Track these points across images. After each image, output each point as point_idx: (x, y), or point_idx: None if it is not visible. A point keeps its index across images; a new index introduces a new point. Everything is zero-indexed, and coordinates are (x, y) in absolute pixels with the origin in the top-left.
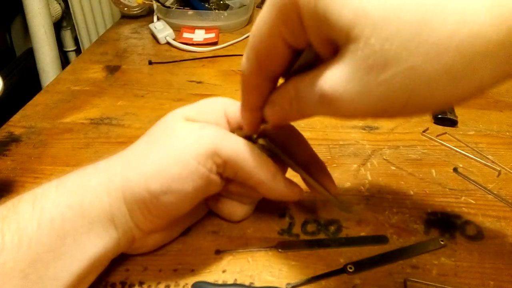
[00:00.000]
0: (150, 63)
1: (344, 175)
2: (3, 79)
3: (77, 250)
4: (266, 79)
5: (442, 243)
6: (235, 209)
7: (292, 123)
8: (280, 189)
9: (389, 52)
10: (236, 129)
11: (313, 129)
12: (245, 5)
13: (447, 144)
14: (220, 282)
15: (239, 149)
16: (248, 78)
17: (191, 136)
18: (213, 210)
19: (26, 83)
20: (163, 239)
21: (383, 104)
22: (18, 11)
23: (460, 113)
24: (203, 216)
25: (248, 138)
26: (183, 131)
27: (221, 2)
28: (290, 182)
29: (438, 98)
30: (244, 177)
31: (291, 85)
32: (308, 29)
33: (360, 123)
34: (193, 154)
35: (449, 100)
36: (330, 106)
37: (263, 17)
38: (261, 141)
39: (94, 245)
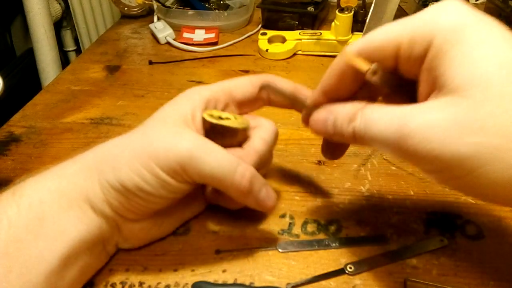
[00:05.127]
0: (150, 63)
1: (344, 175)
2: (3, 79)
3: (58, 231)
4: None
5: (442, 242)
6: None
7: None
8: (243, 185)
9: (502, 123)
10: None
11: None
12: (245, 5)
13: None
14: (220, 282)
15: (191, 153)
16: (338, 62)
17: (158, 143)
18: (213, 202)
19: (26, 83)
20: (153, 229)
21: (456, 163)
22: (18, 11)
23: None
24: (200, 212)
25: None
26: (154, 133)
27: (221, 2)
28: (256, 176)
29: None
30: (204, 180)
31: (358, 110)
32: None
33: None
34: (153, 163)
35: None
36: (404, 141)
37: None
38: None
39: (75, 227)
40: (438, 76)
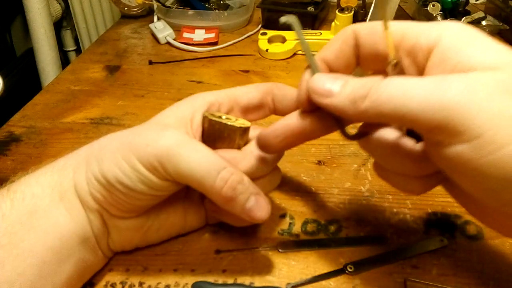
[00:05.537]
0: (150, 63)
1: (344, 175)
2: (3, 79)
3: (49, 224)
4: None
5: (442, 242)
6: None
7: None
8: (223, 191)
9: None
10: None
11: None
12: (245, 5)
13: None
14: (220, 282)
15: (169, 149)
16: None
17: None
18: (214, 216)
19: (26, 83)
20: (140, 230)
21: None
22: (18, 11)
23: None
24: (200, 228)
25: None
26: (142, 130)
27: (221, 2)
28: (240, 177)
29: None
30: (186, 180)
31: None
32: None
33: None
34: (135, 158)
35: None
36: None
37: None
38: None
39: (65, 219)
40: (462, 62)
